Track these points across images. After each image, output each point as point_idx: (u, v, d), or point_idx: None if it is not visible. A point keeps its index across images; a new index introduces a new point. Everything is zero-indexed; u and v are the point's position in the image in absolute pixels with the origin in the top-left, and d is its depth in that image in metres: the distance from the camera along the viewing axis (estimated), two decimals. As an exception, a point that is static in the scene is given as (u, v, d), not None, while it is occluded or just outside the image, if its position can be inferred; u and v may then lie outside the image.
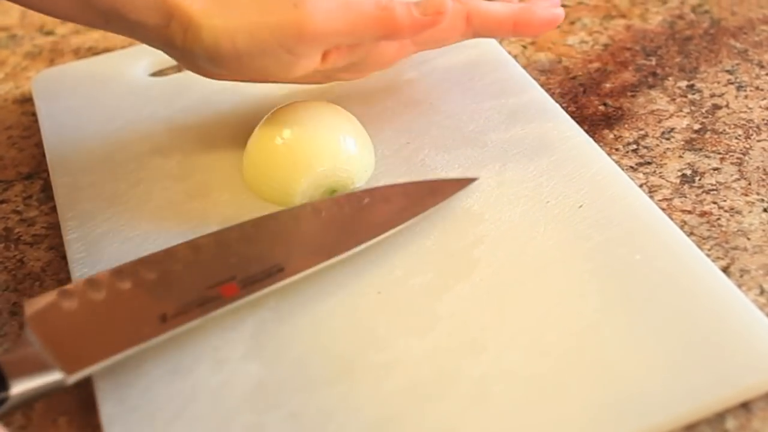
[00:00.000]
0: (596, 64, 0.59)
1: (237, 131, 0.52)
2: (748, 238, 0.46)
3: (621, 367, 0.39)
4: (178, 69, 0.60)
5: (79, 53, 0.66)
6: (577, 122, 0.52)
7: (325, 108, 0.50)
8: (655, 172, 0.50)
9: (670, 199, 0.49)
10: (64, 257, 0.48)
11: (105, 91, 0.58)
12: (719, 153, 0.51)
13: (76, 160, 0.52)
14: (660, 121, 0.54)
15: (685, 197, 0.49)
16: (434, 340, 0.41)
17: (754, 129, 0.53)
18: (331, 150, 0.48)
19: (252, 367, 0.40)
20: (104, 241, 0.47)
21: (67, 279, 0.47)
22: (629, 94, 0.56)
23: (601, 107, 0.55)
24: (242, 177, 0.50)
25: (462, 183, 0.48)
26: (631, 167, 0.51)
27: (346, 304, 0.43)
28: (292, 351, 0.41)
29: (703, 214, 0.48)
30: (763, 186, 0.49)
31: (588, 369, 0.39)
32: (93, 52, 0.65)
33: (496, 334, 0.41)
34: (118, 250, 0.47)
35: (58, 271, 0.48)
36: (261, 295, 0.42)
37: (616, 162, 0.50)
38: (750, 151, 0.51)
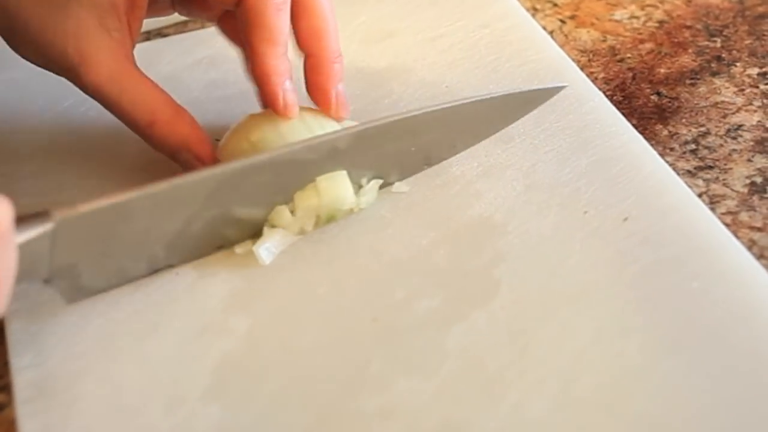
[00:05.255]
0: (649, 45, 0.59)
1: (213, 114, 0.52)
2: (831, 264, 0.45)
3: (671, 423, 0.38)
4: (144, 37, 0.58)
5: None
6: (624, 115, 0.52)
7: (308, 115, 0.47)
8: (717, 178, 0.50)
9: (736, 213, 0.48)
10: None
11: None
12: (797, 157, 0.50)
13: (16, 144, 0.52)
14: (725, 116, 0.53)
15: (755, 211, 0.48)
16: (441, 383, 0.40)
17: (840, 128, 0.52)
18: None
19: (212, 411, 0.39)
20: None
21: None
22: (688, 82, 0.56)
23: (654, 97, 0.55)
24: None
25: (550, 92, 0.49)
26: (689, 172, 0.50)
27: (333, 333, 0.42)
28: (263, 391, 0.40)
29: (776, 232, 0.46)
30: None
31: (630, 425, 0.38)
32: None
33: (518, 378, 0.39)
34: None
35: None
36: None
37: (671, 165, 0.49)
38: (834, 156, 0.50)
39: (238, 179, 0.42)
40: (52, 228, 0.38)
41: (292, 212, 0.44)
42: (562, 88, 0.50)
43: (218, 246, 0.44)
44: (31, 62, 0.46)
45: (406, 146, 0.46)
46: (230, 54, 0.51)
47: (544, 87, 0.50)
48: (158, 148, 0.46)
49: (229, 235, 0.44)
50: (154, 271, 0.43)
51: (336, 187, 0.44)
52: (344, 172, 0.45)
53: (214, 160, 0.45)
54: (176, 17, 0.57)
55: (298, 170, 0.44)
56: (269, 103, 0.45)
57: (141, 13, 0.46)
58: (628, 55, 0.58)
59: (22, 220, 0.38)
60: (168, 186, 0.41)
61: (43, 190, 0.48)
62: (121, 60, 0.44)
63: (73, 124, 0.53)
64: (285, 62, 0.45)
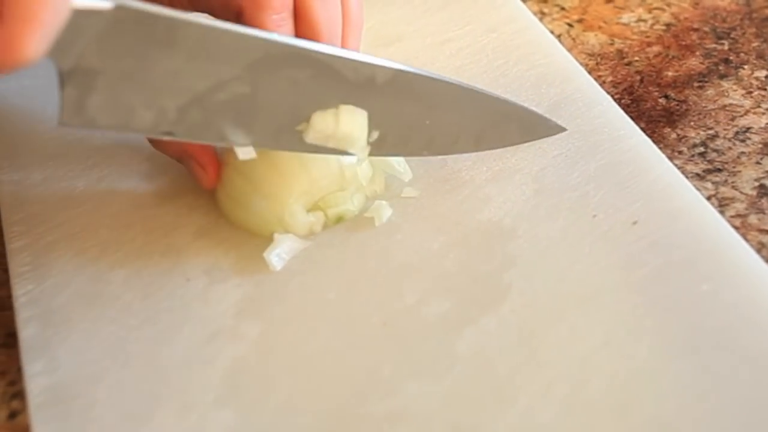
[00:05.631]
0: (656, 48, 0.58)
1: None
2: (842, 267, 0.44)
3: (681, 426, 0.37)
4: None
5: (41, 23, 0.64)
6: (633, 118, 0.51)
7: None
8: (726, 181, 0.49)
9: (745, 216, 0.47)
10: (5, 270, 0.46)
11: (67, 69, 0.57)
12: (806, 159, 0.50)
13: (26, 151, 0.51)
14: (733, 119, 0.53)
15: (764, 213, 0.48)
16: (451, 387, 0.39)
17: None
18: (328, 162, 0.45)
19: (225, 415, 0.39)
20: (54, 252, 0.46)
21: (8, 297, 0.44)
22: (696, 85, 0.55)
23: (662, 100, 0.54)
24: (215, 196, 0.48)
25: (551, 129, 0.50)
26: (698, 175, 0.50)
27: (343, 338, 0.41)
28: (275, 396, 0.40)
29: (785, 235, 0.46)
30: None
31: (640, 427, 0.37)
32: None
33: (528, 382, 0.39)
34: (70, 263, 0.45)
35: (-3, 285, 0.47)
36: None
37: (679, 168, 0.49)
38: (844, 158, 0.50)
39: (282, 61, 0.41)
40: (111, 9, 0.36)
41: (303, 132, 0.43)
42: (561, 130, 0.50)
43: (221, 139, 0.42)
44: None
45: (424, 115, 0.45)
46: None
47: (550, 121, 0.50)
48: (165, 153, 0.47)
49: (232, 133, 0.42)
50: (154, 132, 0.41)
51: (354, 122, 0.44)
52: (365, 113, 0.44)
53: (217, 167, 0.46)
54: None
55: (330, 86, 0.43)
56: None
57: None
58: (636, 58, 0.57)
59: None
60: (223, 29, 0.40)
61: (52, 198, 0.48)
62: None
63: (83, 132, 0.52)
64: None
